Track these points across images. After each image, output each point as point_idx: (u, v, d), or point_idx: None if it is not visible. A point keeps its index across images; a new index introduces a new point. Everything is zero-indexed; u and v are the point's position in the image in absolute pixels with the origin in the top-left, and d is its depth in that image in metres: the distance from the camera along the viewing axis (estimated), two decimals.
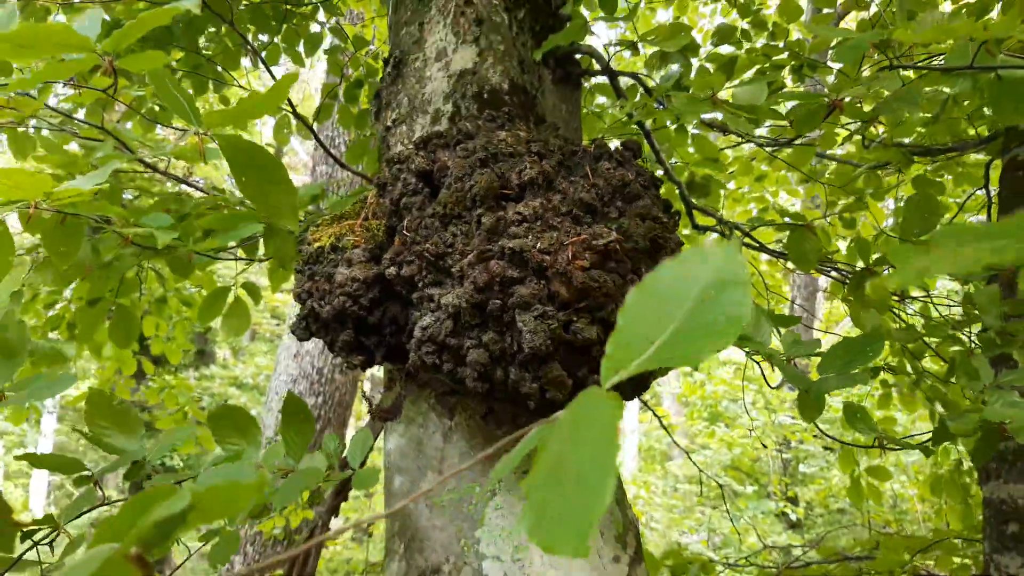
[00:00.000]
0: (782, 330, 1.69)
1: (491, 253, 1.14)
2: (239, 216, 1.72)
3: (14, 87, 0.96)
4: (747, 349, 1.19)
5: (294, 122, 3.57)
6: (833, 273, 2.22)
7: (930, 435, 1.56)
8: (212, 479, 1.05)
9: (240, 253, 2.27)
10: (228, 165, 0.90)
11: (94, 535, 0.42)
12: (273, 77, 2.24)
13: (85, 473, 1.10)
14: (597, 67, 1.80)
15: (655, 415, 3.23)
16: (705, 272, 0.49)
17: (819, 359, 1.35)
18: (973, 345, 2.08)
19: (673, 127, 2.90)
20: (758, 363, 2.00)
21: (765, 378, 1.94)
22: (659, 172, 2.25)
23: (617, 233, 1.15)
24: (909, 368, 2.68)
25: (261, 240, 2.02)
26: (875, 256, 2.10)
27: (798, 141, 1.75)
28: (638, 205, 1.22)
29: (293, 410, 1.24)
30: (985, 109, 2.37)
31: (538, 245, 1.12)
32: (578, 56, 1.82)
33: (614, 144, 1.55)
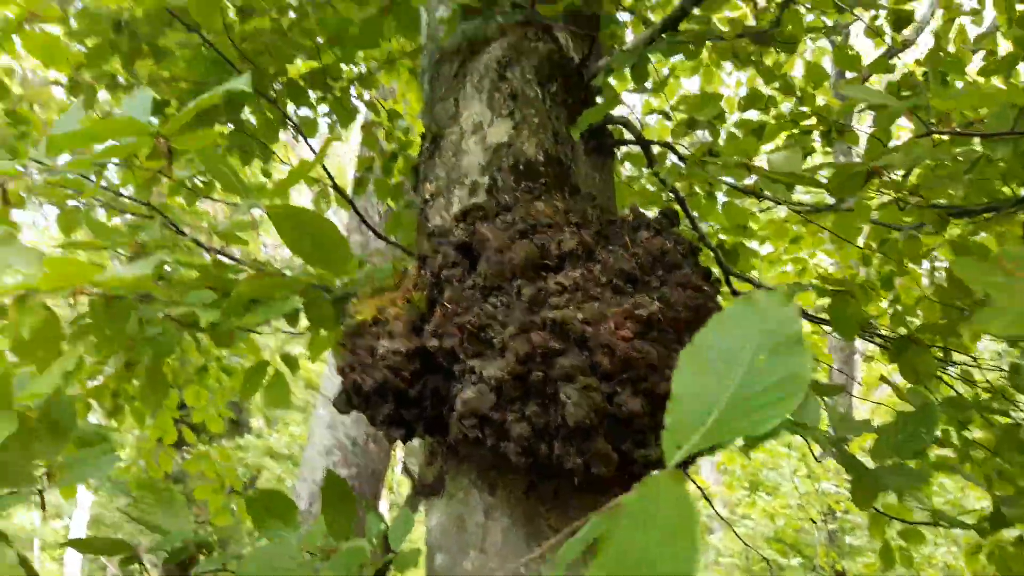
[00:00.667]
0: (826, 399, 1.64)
1: (533, 324, 1.13)
2: (279, 283, 1.74)
3: (73, 167, 0.99)
4: (798, 434, 1.15)
5: (332, 193, 3.66)
6: (875, 339, 2.17)
7: (984, 511, 1.49)
8: (255, 564, 1.03)
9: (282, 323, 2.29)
10: (279, 233, 0.92)
11: None
12: (312, 150, 2.31)
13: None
14: (628, 136, 1.83)
15: (696, 486, 3.14)
16: (757, 330, 0.46)
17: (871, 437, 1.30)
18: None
19: (703, 194, 2.91)
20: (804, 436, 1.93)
21: (812, 452, 1.88)
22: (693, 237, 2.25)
23: (659, 303, 1.14)
24: (955, 438, 2.58)
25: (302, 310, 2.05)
26: (916, 323, 2.05)
27: (832, 208, 1.74)
28: (679, 274, 1.21)
29: (334, 489, 1.23)
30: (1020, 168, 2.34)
31: (580, 316, 1.12)
32: (610, 126, 1.84)
33: (650, 212, 1.55)
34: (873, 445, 1.12)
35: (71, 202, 2.62)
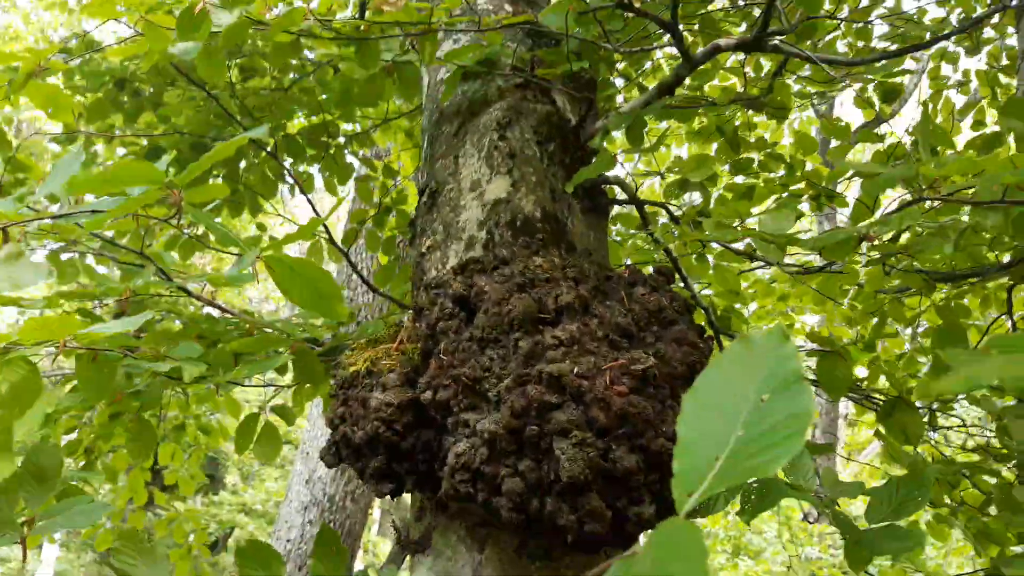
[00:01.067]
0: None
1: (529, 377, 1.13)
2: (268, 340, 1.74)
3: (91, 227, 1.00)
4: (795, 496, 1.15)
5: (323, 246, 3.68)
6: (864, 400, 2.18)
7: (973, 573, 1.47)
8: None
9: (272, 374, 2.27)
10: (277, 282, 0.93)
11: None
12: (312, 206, 2.34)
13: None
14: (623, 196, 1.86)
15: None
16: (757, 370, 0.46)
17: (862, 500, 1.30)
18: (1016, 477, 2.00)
19: (694, 256, 2.95)
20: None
21: (805, 515, 1.86)
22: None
23: (655, 358, 1.15)
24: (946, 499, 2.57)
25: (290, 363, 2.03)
26: (902, 379, 2.06)
27: (822, 269, 1.77)
28: (674, 330, 1.22)
29: (326, 542, 1.21)
30: (1007, 237, 2.40)
31: (576, 370, 1.12)
32: (604, 186, 1.88)
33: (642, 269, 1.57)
34: (867, 508, 1.11)
35: (64, 255, 2.61)
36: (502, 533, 1.27)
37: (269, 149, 2.58)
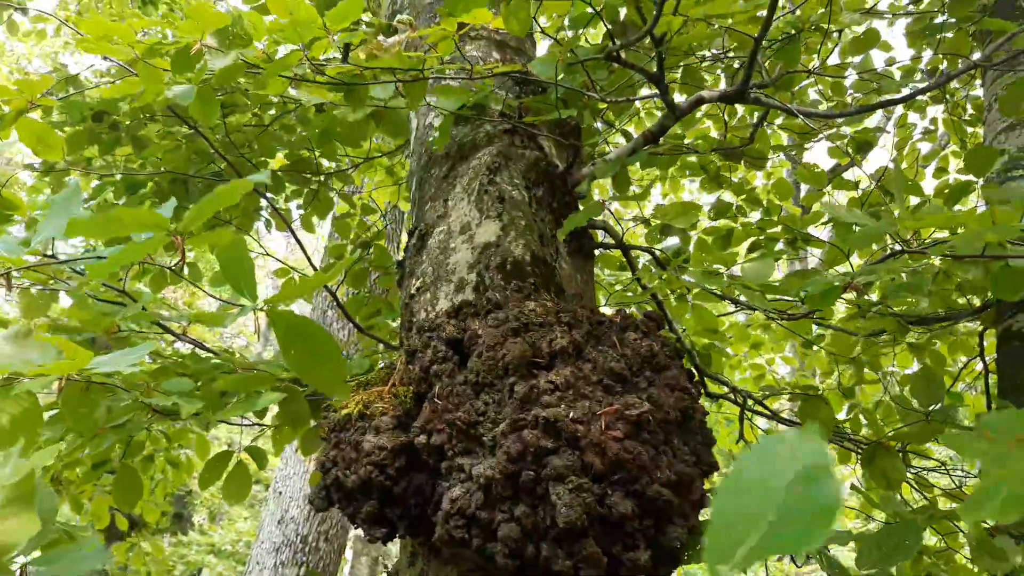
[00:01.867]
0: None
1: (525, 422, 1.14)
2: (258, 379, 1.73)
3: (94, 273, 0.99)
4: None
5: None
6: (845, 443, 2.21)
7: None
8: None
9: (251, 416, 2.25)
10: (277, 339, 0.93)
11: None
12: (299, 241, 2.34)
13: None
14: (609, 240, 1.90)
15: None
16: (793, 463, 0.50)
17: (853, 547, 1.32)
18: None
19: (674, 297, 3.00)
20: None
21: (795, 560, 1.87)
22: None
23: (648, 403, 1.17)
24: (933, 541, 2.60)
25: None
26: (881, 425, 2.10)
27: (806, 316, 1.82)
28: (667, 375, 1.24)
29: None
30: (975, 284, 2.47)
31: (571, 415, 1.13)
32: (591, 230, 1.91)
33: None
34: (858, 554, 1.13)
35: (37, 288, 2.57)
36: None
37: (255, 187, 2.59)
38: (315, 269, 2.48)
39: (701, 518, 1.19)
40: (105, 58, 2.95)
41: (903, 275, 2.29)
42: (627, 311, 1.38)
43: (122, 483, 1.81)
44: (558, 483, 1.10)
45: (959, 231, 1.62)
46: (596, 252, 2.03)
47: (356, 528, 1.32)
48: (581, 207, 1.92)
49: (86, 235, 0.80)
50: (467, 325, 1.34)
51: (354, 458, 1.28)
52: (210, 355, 2.08)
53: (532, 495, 1.13)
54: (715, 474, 1.27)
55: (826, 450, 0.49)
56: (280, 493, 6.84)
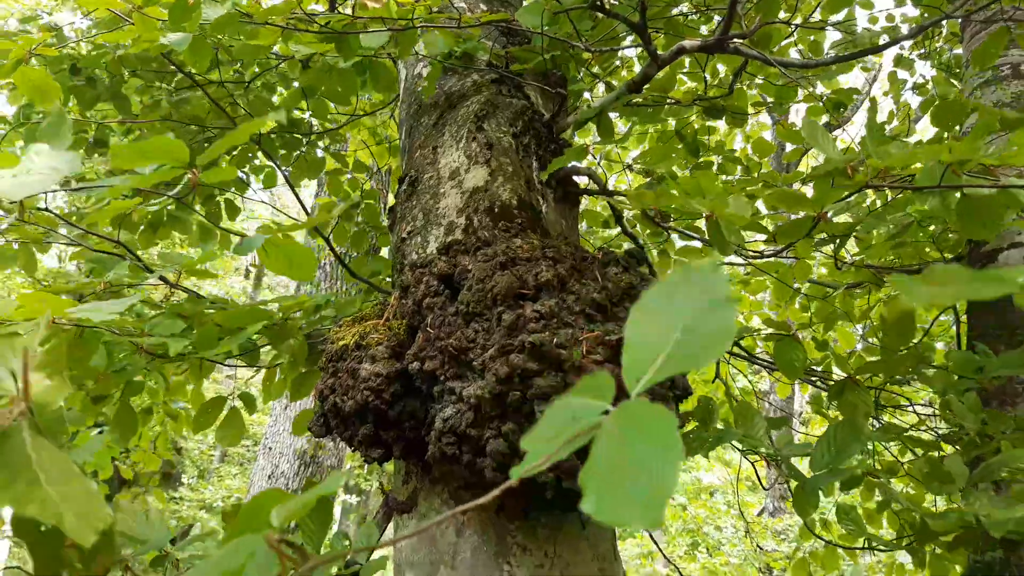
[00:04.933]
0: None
1: (512, 347, 1.22)
2: (254, 313, 1.80)
3: (114, 208, 1.05)
4: (754, 451, 1.26)
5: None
6: (818, 382, 2.32)
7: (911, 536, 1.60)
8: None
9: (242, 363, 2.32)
10: (260, 255, 1.01)
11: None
12: (299, 199, 2.39)
13: None
14: (594, 187, 1.97)
15: (652, 540, 3.18)
16: (694, 292, 0.57)
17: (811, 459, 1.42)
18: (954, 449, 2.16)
19: (656, 251, 3.08)
20: (752, 463, 2.05)
21: (759, 478, 1.99)
22: None
23: None
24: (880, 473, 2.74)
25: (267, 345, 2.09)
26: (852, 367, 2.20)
27: (777, 253, 1.90)
28: None
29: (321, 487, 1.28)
30: (950, 234, 2.57)
31: (555, 340, 1.22)
32: (576, 177, 1.98)
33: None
34: (811, 458, 1.23)
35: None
36: (484, 495, 1.36)
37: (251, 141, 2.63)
38: (320, 233, 2.54)
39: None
40: (86, 15, 2.95)
41: (882, 230, 2.39)
42: (609, 248, 1.46)
43: (119, 418, 1.89)
44: (543, 402, 1.19)
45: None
46: (581, 200, 2.10)
47: (353, 450, 1.41)
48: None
49: (125, 164, 0.85)
50: (457, 261, 1.41)
51: (351, 385, 1.36)
52: (205, 300, 2.15)
53: (519, 413, 1.21)
54: (687, 398, 1.36)
55: (726, 284, 0.57)
56: (270, 449, 6.96)
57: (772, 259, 2.23)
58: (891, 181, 1.38)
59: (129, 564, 0.98)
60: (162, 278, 2.31)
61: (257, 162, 3.45)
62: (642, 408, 0.49)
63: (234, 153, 3.32)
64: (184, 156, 0.86)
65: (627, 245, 2.89)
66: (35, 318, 1.37)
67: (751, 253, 1.94)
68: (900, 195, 1.77)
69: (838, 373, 2.98)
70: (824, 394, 3.24)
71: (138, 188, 1.02)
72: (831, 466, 1.15)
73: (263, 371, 2.53)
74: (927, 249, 3.08)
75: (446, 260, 1.42)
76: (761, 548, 9.18)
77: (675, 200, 1.33)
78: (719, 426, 1.43)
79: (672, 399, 1.28)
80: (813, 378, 2.31)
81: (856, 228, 1.84)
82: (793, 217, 1.65)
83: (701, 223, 1.51)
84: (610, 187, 1.95)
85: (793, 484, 1.37)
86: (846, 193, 1.42)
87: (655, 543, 3.03)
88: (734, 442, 1.43)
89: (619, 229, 2.36)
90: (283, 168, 3.44)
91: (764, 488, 2.13)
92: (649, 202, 1.40)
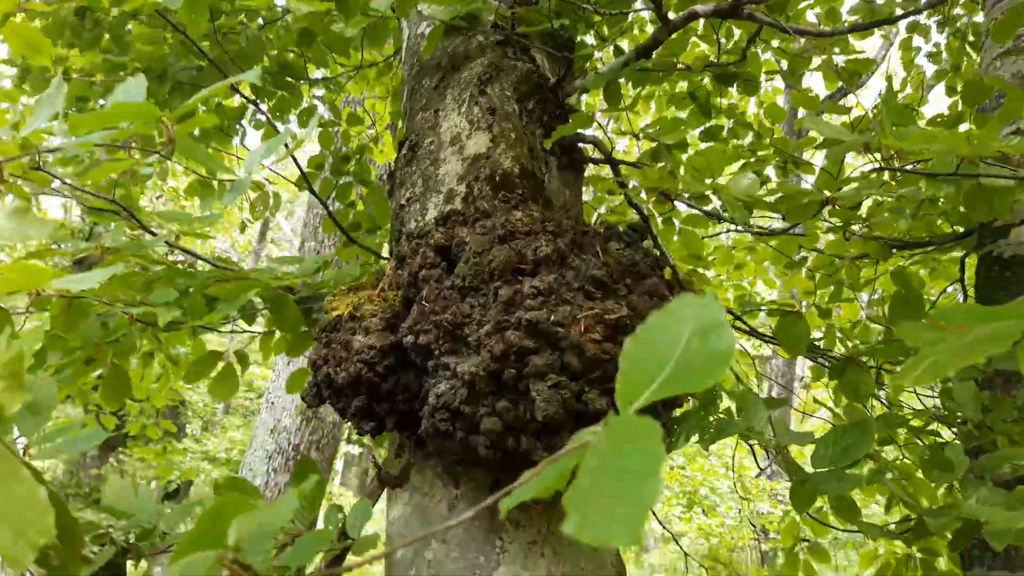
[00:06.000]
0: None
1: (508, 324, 1.19)
2: (246, 285, 1.77)
3: (92, 176, 1.02)
4: (751, 441, 1.24)
5: (271, 200, 3.66)
6: (820, 358, 2.30)
7: (906, 523, 1.59)
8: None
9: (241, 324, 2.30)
10: None
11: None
12: (286, 146, 2.34)
13: None
14: (599, 156, 1.92)
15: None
16: (689, 320, 0.56)
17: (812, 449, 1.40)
18: (953, 437, 2.14)
19: (660, 220, 3.03)
20: (751, 446, 2.04)
21: (757, 462, 1.98)
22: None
23: (627, 309, 1.22)
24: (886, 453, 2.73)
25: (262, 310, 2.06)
26: (855, 344, 2.18)
27: (786, 231, 1.85)
28: (646, 284, 1.29)
29: (306, 472, 1.26)
30: (960, 208, 2.51)
31: (553, 318, 1.19)
32: (581, 144, 1.93)
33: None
34: (812, 454, 1.21)
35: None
36: (477, 470, 1.35)
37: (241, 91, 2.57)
38: (310, 188, 2.50)
39: (674, 413, 1.27)
40: None
41: (889, 199, 2.33)
42: (611, 223, 1.42)
43: (110, 382, 1.88)
44: (538, 380, 1.16)
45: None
46: (586, 168, 2.05)
47: (346, 422, 1.39)
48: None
49: (86, 128, 0.82)
50: (455, 233, 1.38)
51: (344, 356, 1.34)
52: (203, 264, 2.12)
53: (514, 391, 1.19)
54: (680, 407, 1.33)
55: (721, 310, 0.55)
56: (272, 404, 7.01)
57: (782, 234, 2.19)
58: (904, 164, 1.33)
59: (114, 538, 0.97)
60: (167, 242, 2.28)
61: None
62: (628, 424, 0.47)
63: (234, 105, 3.27)
64: (153, 113, 0.82)
65: (633, 215, 2.85)
66: (19, 290, 1.35)
67: (760, 229, 1.89)
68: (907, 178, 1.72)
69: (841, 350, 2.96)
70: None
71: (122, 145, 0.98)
72: (834, 465, 1.13)
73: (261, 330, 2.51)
74: (938, 222, 3.03)
75: (443, 231, 1.38)
76: (755, 509, 9.30)
77: (682, 181, 1.29)
78: (721, 412, 1.41)
79: (662, 409, 1.27)
80: (815, 355, 2.29)
81: (863, 205, 1.79)
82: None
83: (709, 192, 1.47)
84: (617, 154, 1.90)
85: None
86: (858, 172, 1.38)
87: (654, 515, 3.04)
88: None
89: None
90: (265, 112, 3.37)
91: (760, 469, 2.12)
92: (655, 182, 1.36)
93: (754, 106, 4.93)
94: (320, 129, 3.56)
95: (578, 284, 1.25)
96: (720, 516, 9.78)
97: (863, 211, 3.08)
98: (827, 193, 1.25)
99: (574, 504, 0.45)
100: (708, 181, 1.35)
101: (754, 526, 9.43)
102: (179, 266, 2.00)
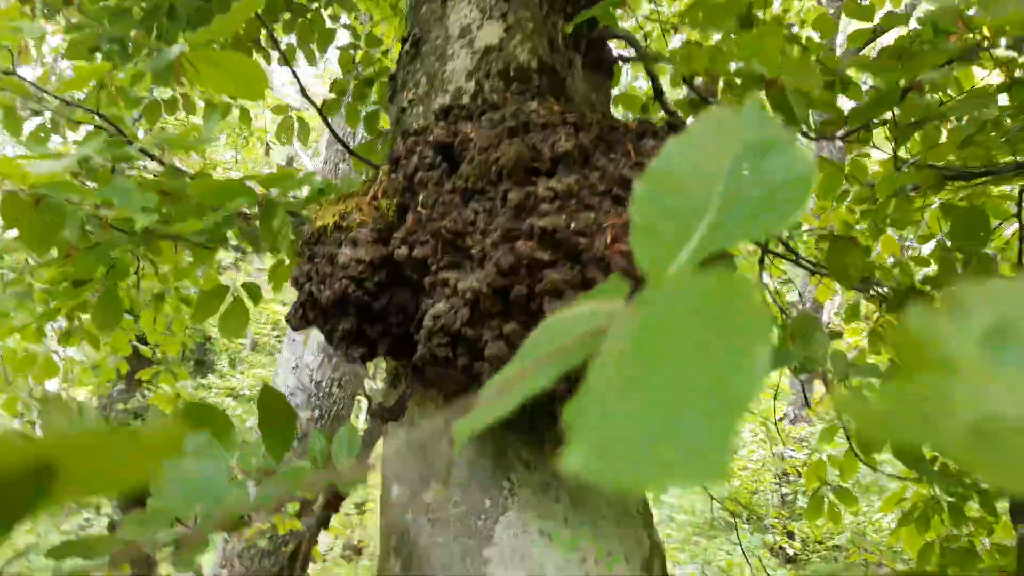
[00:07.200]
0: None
1: (518, 232, 1.00)
2: (231, 185, 1.58)
3: (69, 87, 0.83)
4: (811, 368, 1.04)
5: (295, 126, 3.49)
6: (874, 290, 2.08)
7: None
8: (178, 486, 0.90)
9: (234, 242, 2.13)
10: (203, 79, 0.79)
11: None
12: (294, 74, 2.13)
13: None
14: (631, 54, 1.68)
15: None
16: (732, 142, 0.35)
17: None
18: None
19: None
20: (773, 390, 1.85)
21: (782, 416, 1.79)
22: None
23: None
24: None
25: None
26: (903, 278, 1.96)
27: (849, 134, 1.61)
28: None
29: (271, 404, 1.09)
30: None
31: (573, 225, 0.98)
32: (611, 40, 1.69)
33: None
34: (881, 383, 1.01)
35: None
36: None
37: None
38: (319, 109, 2.29)
39: None
40: None
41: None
42: (646, 118, 1.20)
43: (101, 305, 1.72)
44: (554, 299, 0.97)
45: None
46: (617, 71, 1.81)
47: (334, 348, 1.22)
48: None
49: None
50: (458, 128, 1.17)
51: (329, 272, 1.16)
52: (186, 174, 1.94)
53: (525, 312, 1.00)
54: None
55: (777, 122, 0.34)
56: (294, 340, 6.94)
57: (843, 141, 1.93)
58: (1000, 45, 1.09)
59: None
60: (144, 151, 2.09)
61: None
62: (689, 280, 0.27)
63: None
64: None
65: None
66: None
67: (817, 132, 1.65)
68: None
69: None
70: (867, 304, 2.99)
71: None
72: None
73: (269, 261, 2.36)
74: (993, 152, 2.75)
75: (444, 126, 1.17)
76: (778, 453, 9.18)
77: (733, 59, 1.06)
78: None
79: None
80: (867, 286, 2.07)
81: (942, 118, 1.54)
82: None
83: (757, 97, 1.24)
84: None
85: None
86: (942, 63, 1.14)
87: None
88: None
89: (660, 112, 2.07)
90: (275, 35, 3.15)
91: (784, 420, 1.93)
92: (701, 64, 1.13)
93: (797, 26, 4.56)
94: (339, 51, 3.33)
95: (604, 187, 1.05)
96: (742, 459, 9.67)
97: (913, 143, 2.80)
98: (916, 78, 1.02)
99: (585, 419, 0.24)
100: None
101: (776, 469, 9.33)
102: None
